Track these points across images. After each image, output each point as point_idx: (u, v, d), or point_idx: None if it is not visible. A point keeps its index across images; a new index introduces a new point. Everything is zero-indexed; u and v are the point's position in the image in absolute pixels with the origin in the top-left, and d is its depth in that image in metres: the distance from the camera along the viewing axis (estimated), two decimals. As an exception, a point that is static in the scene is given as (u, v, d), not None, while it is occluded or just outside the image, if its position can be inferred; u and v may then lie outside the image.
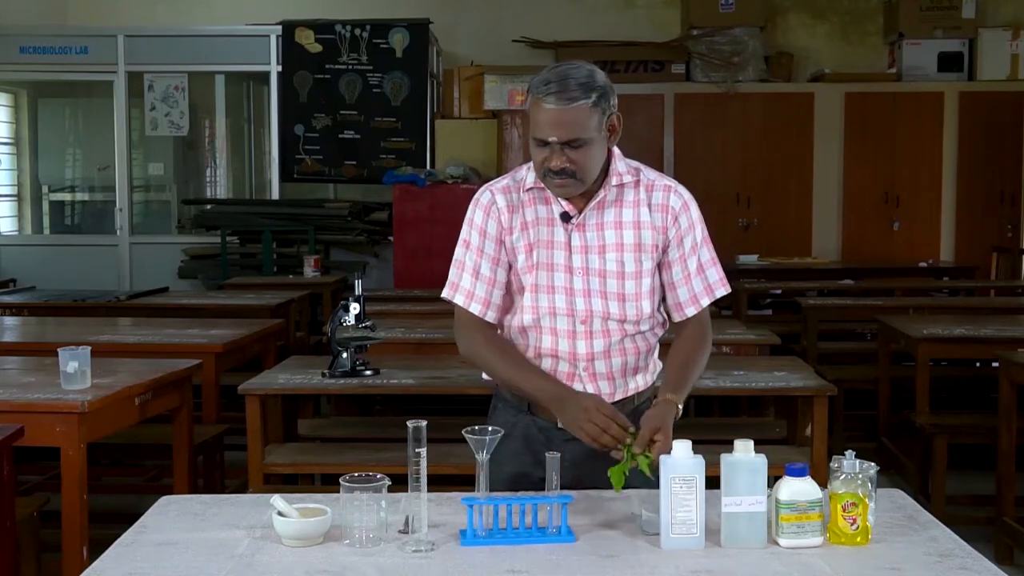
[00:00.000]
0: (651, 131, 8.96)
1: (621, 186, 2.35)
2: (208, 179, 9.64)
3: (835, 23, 9.41)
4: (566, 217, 2.34)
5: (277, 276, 7.97)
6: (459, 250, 2.41)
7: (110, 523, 3.64)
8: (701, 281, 2.39)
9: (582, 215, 2.34)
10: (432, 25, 8.45)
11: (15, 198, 9.28)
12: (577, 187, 2.29)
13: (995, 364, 4.56)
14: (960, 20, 8.86)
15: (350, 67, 8.36)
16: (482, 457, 2.05)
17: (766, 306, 7.81)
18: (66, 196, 9.54)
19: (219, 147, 9.43)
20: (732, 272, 7.77)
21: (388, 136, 8.37)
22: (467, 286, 2.39)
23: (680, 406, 2.26)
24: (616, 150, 2.37)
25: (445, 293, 2.43)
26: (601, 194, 2.34)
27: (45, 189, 9.42)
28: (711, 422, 4.83)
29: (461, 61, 8.83)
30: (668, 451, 2.06)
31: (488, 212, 2.38)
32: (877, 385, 5.42)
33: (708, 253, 2.40)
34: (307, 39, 8.36)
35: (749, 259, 8.26)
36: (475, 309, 2.38)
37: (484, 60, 8.64)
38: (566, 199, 2.33)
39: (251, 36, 8.59)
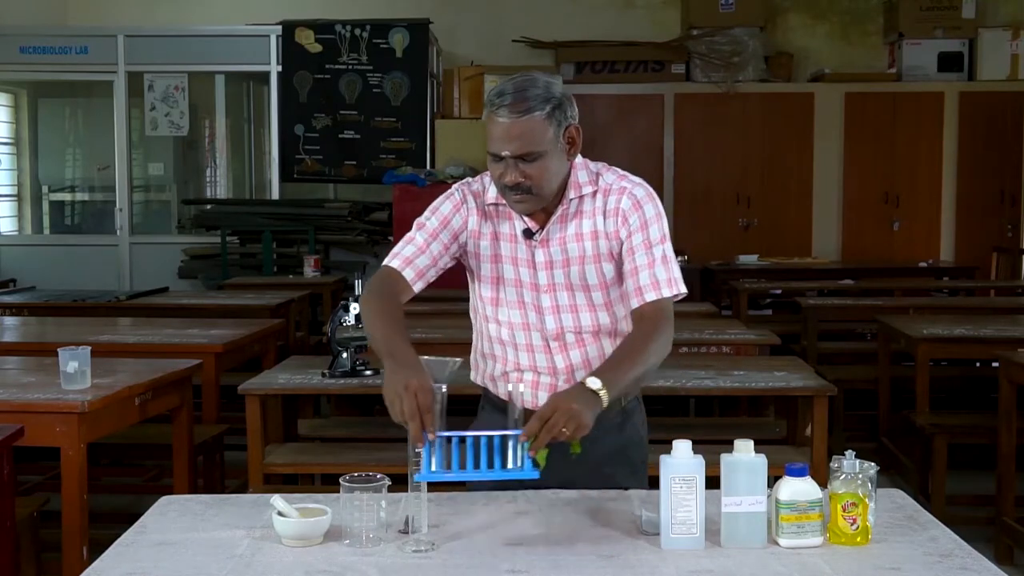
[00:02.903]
0: (651, 131, 8.97)
1: (581, 198, 2.29)
2: (208, 179, 9.64)
3: (835, 23, 9.42)
4: (528, 234, 2.29)
5: (277, 276, 7.97)
6: (413, 231, 2.35)
7: (110, 523, 3.64)
8: (648, 275, 2.26)
9: (544, 231, 2.29)
10: (432, 25, 8.45)
11: (15, 198, 9.28)
12: (535, 202, 2.23)
13: (995, 364, 4.56)
14: (960, 20, 8.87)
15: (350, 67, 8.36)
16: (442, 386, 2.01)
17: (766, 306, 7.81)
18: (66, 196, 9.54)
19: (219, 147, 9.43)
20: (732, 272, 7.86)
21: (388, 136, 8.37)
22: (408, 254, 2.32)
23: (601, 392, 2.06)
24: (580, 158, 2.30)
25: (386, 260, 2.35)
26: (562, 208, 2.28)
27: (45, 189, 9.42)
28: (711, 422, 4.83)
29: (461, 61, 8.83)
30: (569, 415, 1.96)
31: (457, 210, 2.34)
32: (877, 385, 5.42)
33: (660, 252, 2.27)
34: (307, 39, 8.36)
35: (749, 259, 8.27)
36: (408, 275, 2.30)
37: (484, 60, 8.64)
38: (526, 215, 2.28)
39: (251, 36, 8.59)
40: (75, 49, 8.52)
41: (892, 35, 9.10)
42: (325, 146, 8.41)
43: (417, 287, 2.33)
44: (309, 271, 7.48)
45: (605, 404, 2.07)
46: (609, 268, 2.31)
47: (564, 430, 1.98)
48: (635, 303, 2.28)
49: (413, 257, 2.32)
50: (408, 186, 7.62)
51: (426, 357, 2.03)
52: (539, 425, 1.97)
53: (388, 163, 8.26)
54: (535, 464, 1.97)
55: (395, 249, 2.36)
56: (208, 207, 8.80)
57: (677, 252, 8.28)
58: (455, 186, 2.38)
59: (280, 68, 8.45)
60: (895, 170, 8.94)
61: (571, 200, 2.28)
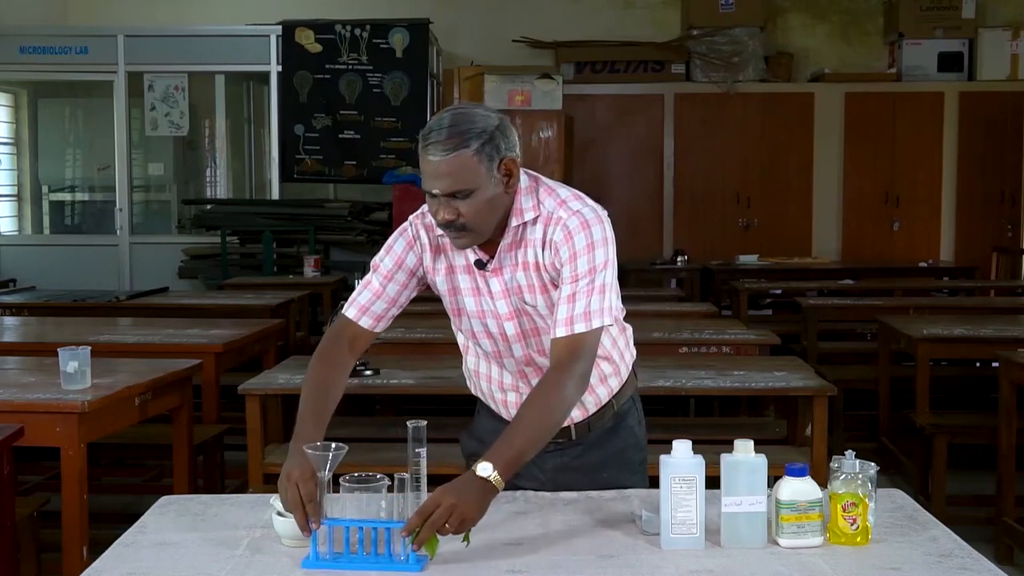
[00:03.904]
0: (651, 131, 8.97)
1: (524, 224, 2.22)
2: (208, 179, 9.63)
3: (835, 23, 9.42)
4: (480, 264, 2.26)
5: (277, 276, 7.96)
6: (370, 272, 2.36)
7: (110, 523, 3.64)
8: (564, 311, 2.17)
9: (496, 259, 2.25)
10: (432, 25, 8.45)
11: (15, 198, 9.28)
12: (472, 238, 2.18)
13: (995, 364, 4.56)
14: (960, 20, 8.87)
15: (350, 67, 8.36)
16: (323, 475, 1.98)
17: (766, 306, 7.82)
18: (66, 196, 9.53)
19: (219, 147, 9.42)
20: (732, 272, 7.86)
21: (388, 136, 8.37)
22: (363, 302, 2.33)
23: (492, 477, 1.97)
24: (525, 182, 2.23)
25: (344, 307, 2.37)
26: (508, 237, 2.24)
27: (45, 189, 9.41)
28: (711, 422, 4.83)
29: (461, 61, 8.83)
30: (450, 511, 1.88)
31: (411, 246, 2.32)
32: (877, 385, 5.42)
33: (585, 283, 2.17)
34: (307, 39, 8.36)
35: (749, 259, 8.27)
36: (365, 323, 2.32)
37: (484, 60, 8.64)
38: (467, 250, 2.25)
39: (251, 36, 8.59)
40: (75, 49, 8.51)
41: (892, 35, 9.11)
42: (325, 146, 8.41)
43: (379, 328, 2.34)
44: (309, 271, 7.48)
45: (501, 488, 1.99)
46: (556, 295, 2.24)
47: (447, 526, 1.90)
48: (552, 335, 2.21)
49: (368, 304, 2.33)
50: (408, 186, 7.61)
51: (308, 450, 2.00)
52: (420, 521, 1.89)
53: (388, 163, 8.26)
54: (419, 557, 1.90)
55: (353, 294, 2.37)
56: (208, 207, 8.79)
57: (677, 252, 8.28)
58: (410, 218, 2.34)
59: (280, 68, 8.45)
60: (895, 170, 8.95)
61: (516, 227, 2.23)
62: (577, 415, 2.36)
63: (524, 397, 2.33)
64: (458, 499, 1.91)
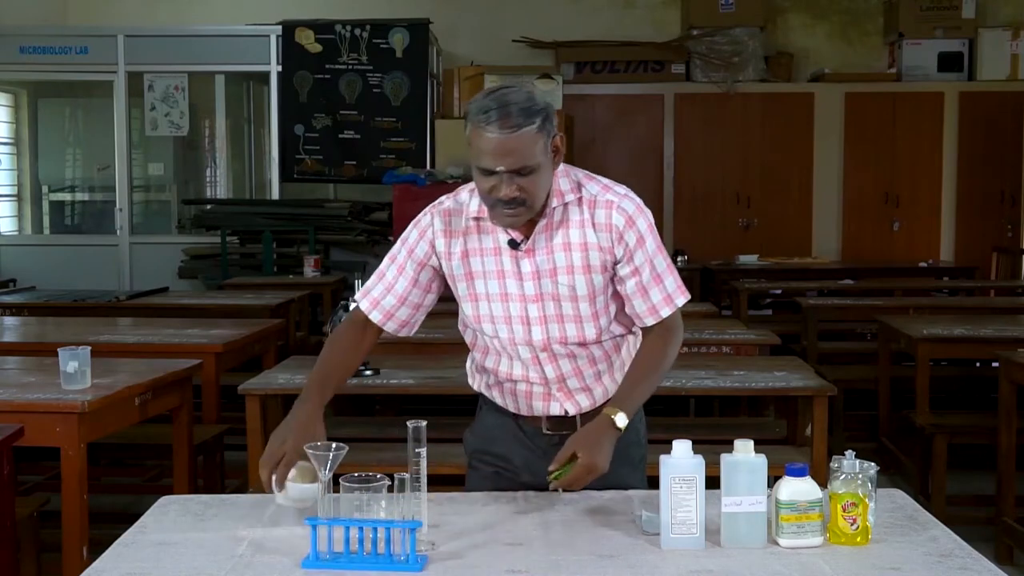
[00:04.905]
0: (651, 131, 8.98)
1: (565, 205, 2.27)
2: (208, 179, 9.64)
3: (835, 23, 9.42)
4: (514, 244, 2.27)
5: (277, 276, 7.96)
6: (384, 262, 2.39)
7: (110, 523, 3.64)
8: (658, 292, 2.30)
9: (531, 240, 2.28)
10: (432, 25, 8.45)
11: (15, 198, 9.28)
12: (527, 214, 2.20)
13: (995, 364, 4.56)
14: (960, 20, 8.88)
15: (350, 67, 8.36)
16: (323, 475, 2.00)
17: (766, 306, 7.82)
18: (66, 196, 9.53)
19: (219, 147, 9.42)
20: (732, 272, 7.86)
21: (388, 136, 8.37)
22: (376, 295, 2.37)
23: (621, 419, 2.20)
24: (559, 166, 2.27)
25: (356, 296, 2.42)
26: (546, 217, 2.25)
27: (45, 189, 9.41)
28: (711, 422, 4.83)
29: (461, 61, 8.83)
30: (592, 470, 2.12)
31: (423, 235, 2.34)
32: (877, 385, 5.42)
33: (662, 262, 2.31)
34: (307, 39, 8.36)
35: (749, 259, 8.27)
36: (375, 317, 2.36)
37: (484, 60, 8.64)
38: (514, 227, 2.26)
39: (251, 36, 8.59)
40: (75, 49, 8.51)
41: (892, 35, 9.11)
42: (325, 146, 8.41)
43: (389, 327, 2.38)
44: (309, 271, 7.48)
45: (623, 430, 2.22)
46: (599, 279, 2.28)
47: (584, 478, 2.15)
48: (650, 321, 2.33)
49: (380, 297, 2.37)
50: (408, 186, 7.61)
51: (309, 450, 2.01)
52: (566, 457, 2.14)
53: (388, 163, 8.26)
54: (419, 557, 1.91)
55: (368, 283, 2.41)
56: (208, 207, 8.79)
57: (677, 252, 8.30)
58: (426, 208, 2.37)
59: (280, 68, 8.44)
60: (895, 170, 8.95)
61: (555, 208, 2.26)
62: (586, 404, 2.38)
63: (534, 387, 2.36)
64: (594, 457, 2.13)
